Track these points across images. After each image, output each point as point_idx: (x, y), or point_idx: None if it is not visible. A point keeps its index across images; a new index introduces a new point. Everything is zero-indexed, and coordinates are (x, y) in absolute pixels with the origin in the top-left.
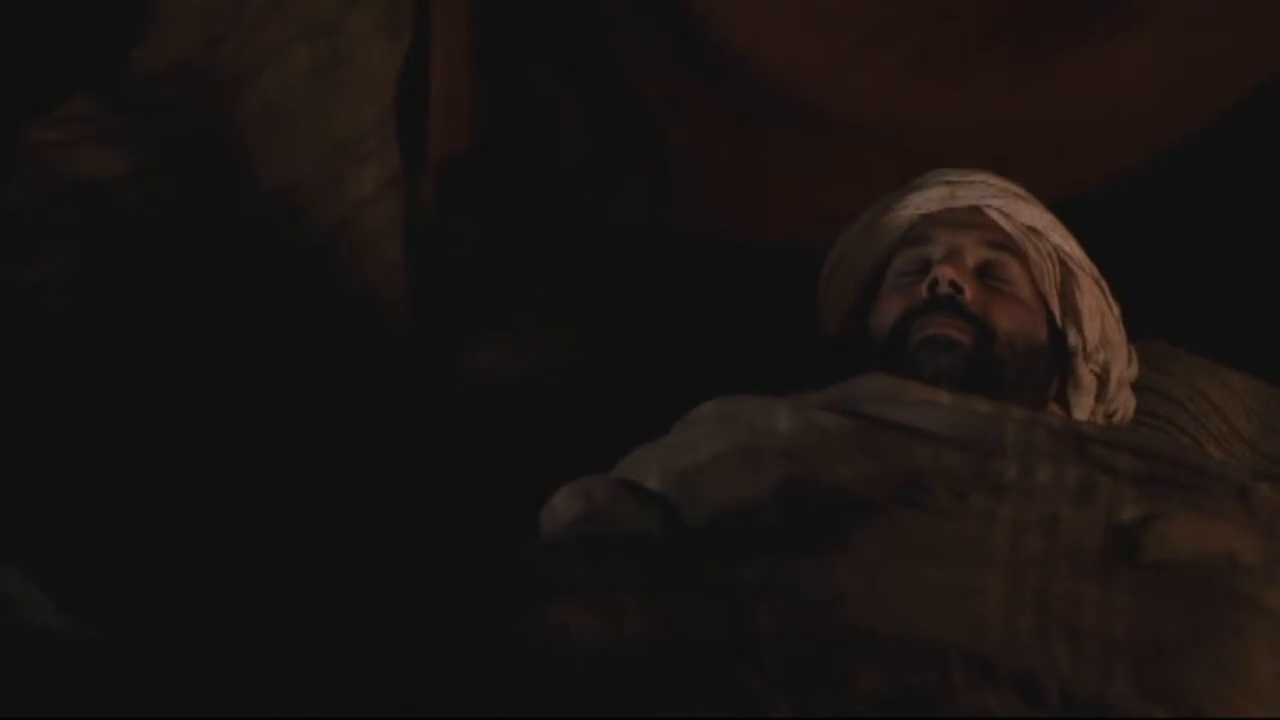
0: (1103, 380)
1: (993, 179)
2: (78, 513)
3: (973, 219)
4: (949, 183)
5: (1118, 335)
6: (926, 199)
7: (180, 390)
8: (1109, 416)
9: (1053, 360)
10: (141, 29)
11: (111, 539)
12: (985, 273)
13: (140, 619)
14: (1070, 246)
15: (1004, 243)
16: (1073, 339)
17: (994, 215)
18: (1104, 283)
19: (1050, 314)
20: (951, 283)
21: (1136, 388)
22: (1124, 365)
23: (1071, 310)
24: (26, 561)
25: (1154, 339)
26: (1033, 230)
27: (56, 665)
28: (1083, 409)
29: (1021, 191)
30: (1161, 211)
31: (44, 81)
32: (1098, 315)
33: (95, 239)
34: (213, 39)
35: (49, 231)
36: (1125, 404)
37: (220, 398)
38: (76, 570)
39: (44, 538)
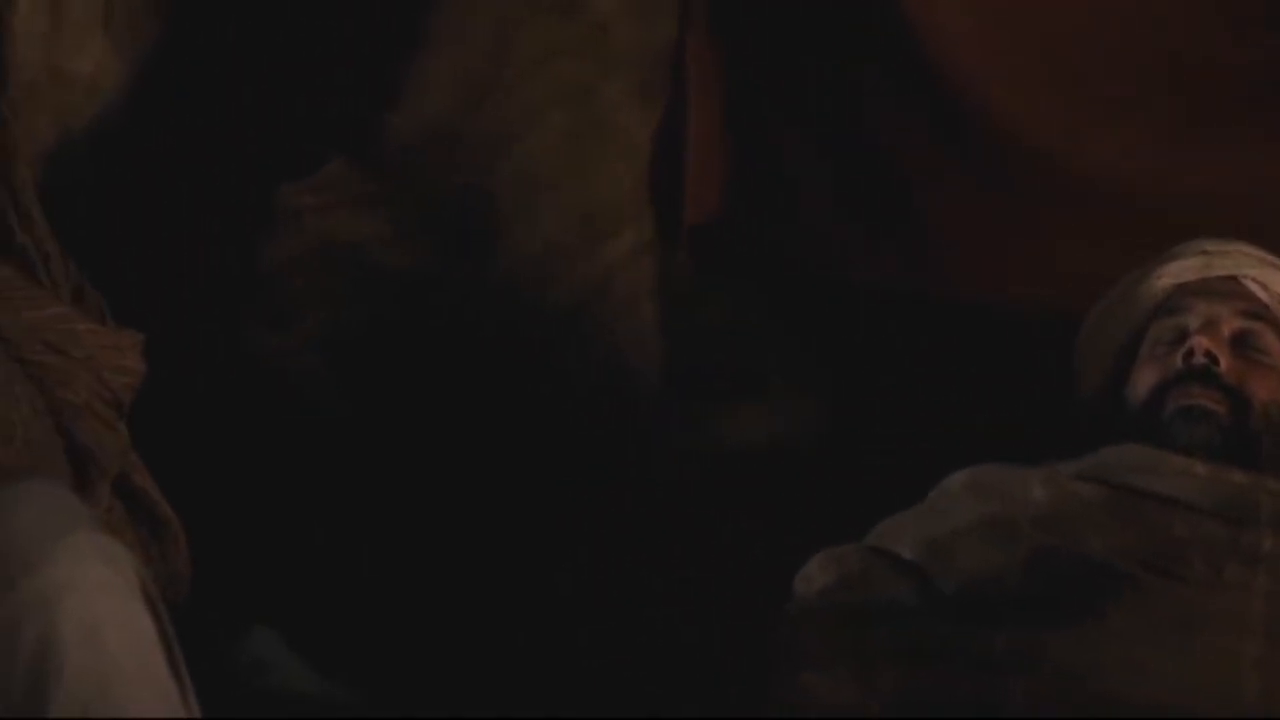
0: None
1: (1249, 248)
2: (331, 575)
3: (1229, 289)
4: (1205, 252)
5: None
6: (1183, 268)
7: (433, 453)
8: None
9: None
10: (398, 94)
11: (364, 601)
12: (1241, 343)
13: (393, 682)
14: None
15: (1260, 313)
16: None
17: (1250, 285)
18: None
19: None
20: (1207, 353)
21: None
22: None
23: None
24: (281, 624)
25: None
26: None
27: None
28: None
29: (1278, 261)
30: None
31: (300, 146)
32: None
33: (349, 302)
34: (469, 104)
35: (303, 294)
36: None
37: (472, 460)
38: (330, 633)
39: (298, 600)
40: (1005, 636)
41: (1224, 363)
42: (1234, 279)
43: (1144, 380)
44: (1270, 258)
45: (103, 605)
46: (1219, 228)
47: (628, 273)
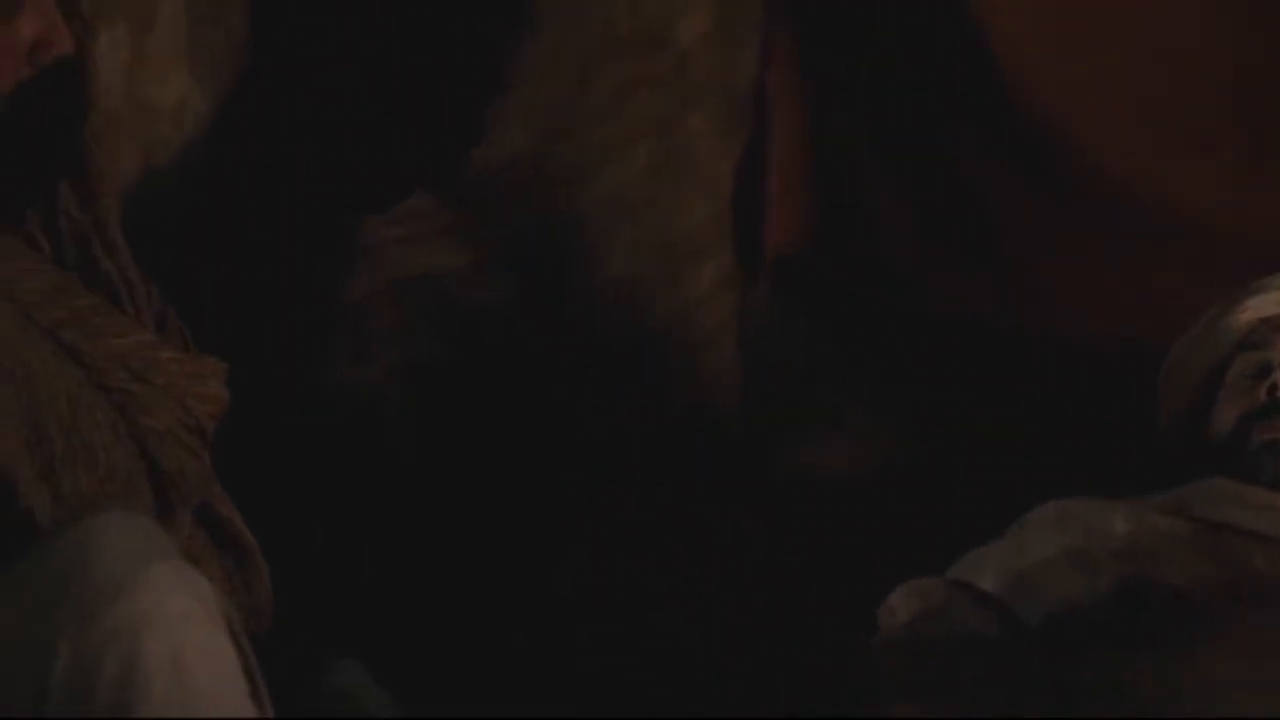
0: None
1: None
2: (414, 605)
3: None
4: None
5: None
6: (1265, 302)
7: (515, 484)
8: None
9: None
10: (481, 128)
11: (446, 632)
12: None
13: (476, 714)
14: None
15: None
16: None
17: None
18: None
19: None
20: None
21: None
22: None
23: None
24: (364, 655)
25: None
26: None
27: None
28: None
29: None
30: None
31: (385, 179)
32: None
33: (431, 333)
34: (552, 138)
35: (388, 325)
36: None
37: (553, 490)
38: (413, 664)
39: (381, 632)
40: (1088, 667)
41: None
42: None
43: (1227, 414)
44: None
45: (186, 636)
46: None
47: (708, 304)
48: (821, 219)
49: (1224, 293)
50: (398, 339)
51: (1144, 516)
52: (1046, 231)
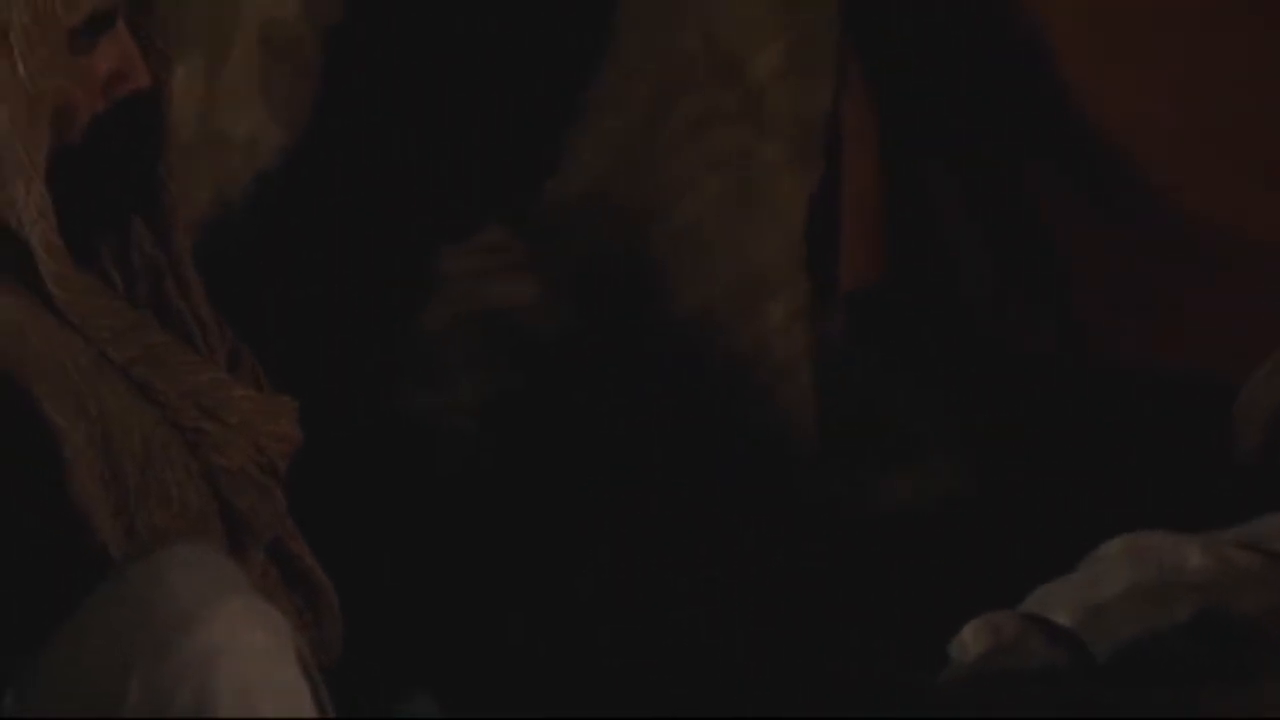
0: None
1: None
2: (486, 638)
3: None
4: None
5: None
6: None
7: (588, 516)
8: None
9: None
10: (555, 160)
11: (515, 664)
12: None
13: None
14: None
15: None
16: None
17: None
18: None
19: None
20: None
21: None
22: None
23: None
24: (436, 689)
25: None
26: None
27: None
28: None
29: None
30: None
31: (459, 211)
32: None
33: (503, 366)
34: (626, 170)
35: (461, 357)
36: None
37: (626, 523)
38: (482, 695)
39: (453, 665)
40: (1162, 702)
41: None
42: None
43: None
44: None
45: (258, 669)
46: None
47: (782, 336)
48: (897, 252)
49: None
50: (470, 371)
51: (1218, 550)
52: (1122, 265)
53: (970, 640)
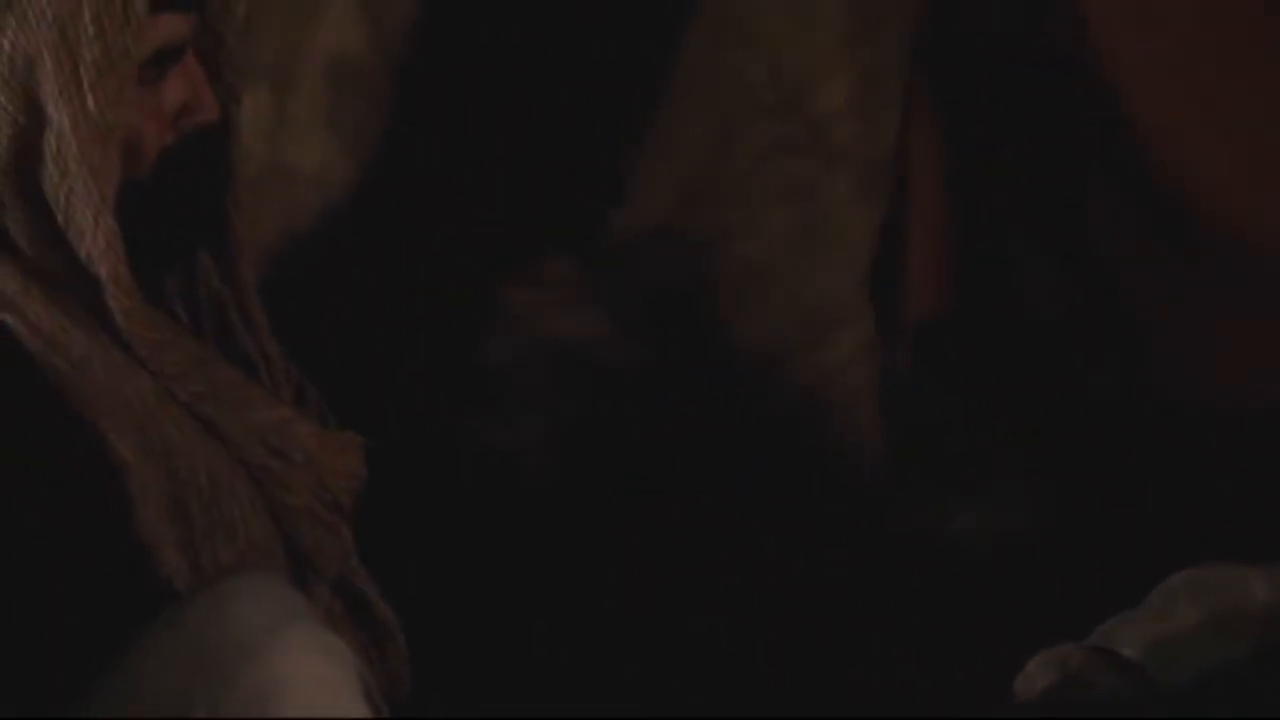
0: None
1: None
2: (555, 673)
3: None
4: None
5: None
6: None
7: (660, 547)
8: None
9: None
10: (621, 192)
11: (593, 700)
12: None
13: None
14: None
15: None
16: None
17: None
18: None
19: None
20: None
21: None
22: None
23: None
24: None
25: None
26: None
27: None
28: None
29: None
30: None
31: (526, 243)
32: None
33: (572, 398)
34: (691, 202)
35: (527, 390)
36: None
37: (695, 553)
38: None
39: (519, 699)
40: None
41: None
42: None
43: None
44: None
45: (323, 700)
46: None
47: (848, 370)
48: (964, 284)
49: None
50: (536, 403)
51: None
52: (1191, 299)
53: (1036, 673)
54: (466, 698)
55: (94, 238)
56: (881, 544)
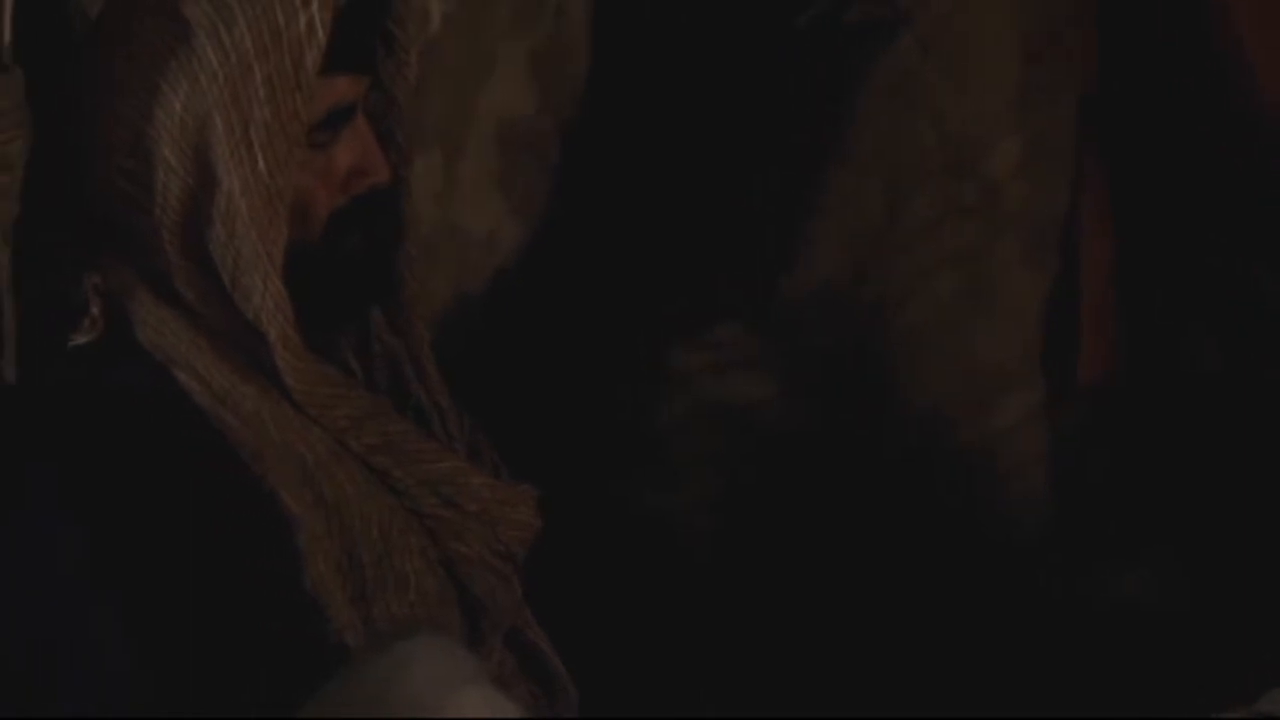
0: None
1: None
2: None
3: None
4: None
5: None
6: None
7: (827, 612)
8: None
9: None
10: (790, 256)
11: None
12: None
13: None
14: None
15: None
16: None
17: None
18: None
19: None
20: None
21: None
22: None
23: None
24: None
25: None
26: None
27: None
28: None
29: None
30: None
31: (694, 307)
32: None
33: (739, 463)
34: (860, 265)
35: (696, 455)
36: None
37: (862, 615)
38: None
39: None
40: None
41: None
42: None
43: None
44: None
45: None
46: None
47: (1017, 434)
48: (1133, 351)
49: None
50: (705, 468)
51: None
52: None
53: None
54: None
55: (262, 299)
56: (1045, 608)
